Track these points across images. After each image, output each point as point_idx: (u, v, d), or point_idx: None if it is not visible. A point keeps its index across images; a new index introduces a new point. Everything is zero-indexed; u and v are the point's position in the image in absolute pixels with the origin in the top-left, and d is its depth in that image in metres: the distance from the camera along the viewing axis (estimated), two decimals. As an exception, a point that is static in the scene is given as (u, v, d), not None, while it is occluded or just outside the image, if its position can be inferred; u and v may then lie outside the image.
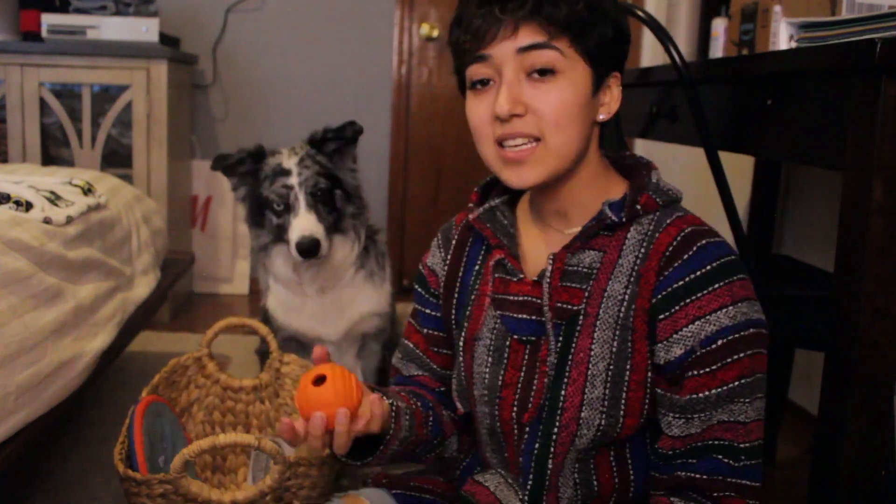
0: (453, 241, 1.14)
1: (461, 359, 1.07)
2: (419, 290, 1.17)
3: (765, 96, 1.36)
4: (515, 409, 1.01)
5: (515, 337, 1.02)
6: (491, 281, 1.05)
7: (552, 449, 0.98)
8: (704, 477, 0.93)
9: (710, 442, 0.93)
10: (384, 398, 1.03)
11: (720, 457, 0.93)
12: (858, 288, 1.07)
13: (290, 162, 1.83)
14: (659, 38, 1.45)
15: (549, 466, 0.99)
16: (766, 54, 1.58)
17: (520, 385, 1.01)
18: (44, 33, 2.98)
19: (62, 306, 1.54)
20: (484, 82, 0.95)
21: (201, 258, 3.49)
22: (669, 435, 0.96)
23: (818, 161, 1.25)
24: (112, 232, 2.01)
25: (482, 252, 1.10)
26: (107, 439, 2.01)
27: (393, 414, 1.03)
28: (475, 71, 0.95)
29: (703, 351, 0.92)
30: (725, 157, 1.46)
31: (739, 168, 2.34)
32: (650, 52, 3.35)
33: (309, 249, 1.77)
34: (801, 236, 2.38)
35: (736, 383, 0.92)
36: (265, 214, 1.87)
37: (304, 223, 1.78)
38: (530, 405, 0.99)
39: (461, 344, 1.07)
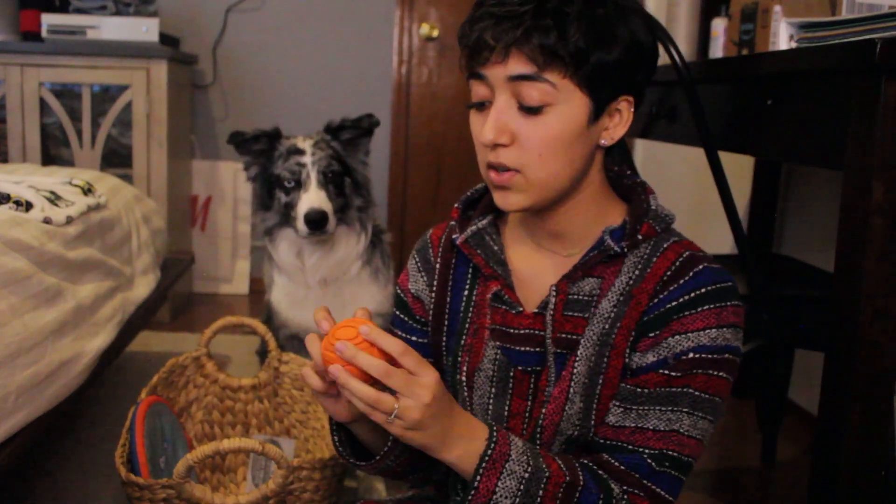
0: (436, 265, 1.08)
1: (465, 393, 1.03)
2: (402, 316, 1.11)
3: (765, 96, 1.36)
4: (525, 437, 1.00)
5: (520, 368, 1.00)
6: (489, 314, 1.01)
7: None
8: (622, 468, 0.93)
9: (640, 449, 0.92)
10: None
11: (645, 456, 0.92)
12: (858, 288, 1.07)
13: (304, 143, 1.87)
14: (659, 37, 1.45)
15: None
16: (766, 54, 1.59)
17: (527, 414, 1.00)
18: (44, 33, 2.98)
19: (62, 306, 1.54)
20: (480, 105, 0.93)
21: (201, 258, 3.48)
22: (605, 421, 0.95)
23: (818, 161, 1.25)
24: (112, 232, 2.01)
25: (469, 274, 1.05)
26: (107, 439, 2.01)
27: None
28: (474, 88, 0.93)
29: (674, 361, 0.92)
30: (725, 157, 1.46)
31: (739, 168, 2.34)
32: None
33: (317, 221, 1.79)
34: (801, 236, 2.38)
35: (683, 389, 0.92)
36: (274, 195, 1.89)
37: (313, 197, 1.82)
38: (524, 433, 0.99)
39: (462, 378, 1.03)
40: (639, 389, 0.93)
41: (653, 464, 0.92)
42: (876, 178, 1.05)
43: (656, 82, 1.76)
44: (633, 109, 0.95)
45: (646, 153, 3.27)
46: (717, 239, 2.59)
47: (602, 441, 0.95)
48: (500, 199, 0.95)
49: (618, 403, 0.94)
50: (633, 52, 0.91)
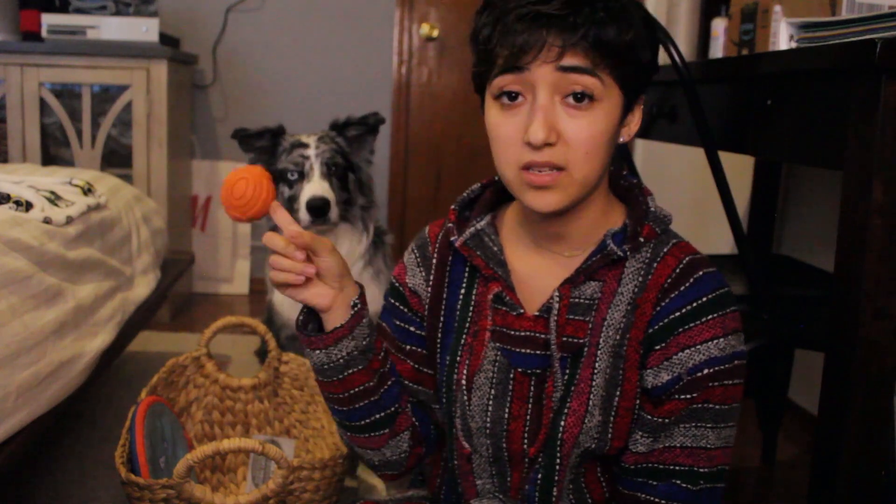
0: (433, 261, 1.07)
1: (464, 396, 1.01)
2: (398, 305, 1.11)
3: (765, 96, 1.36)
4: (526, 441, 1.00)
5: (519, 370, 1.00)
6: (490, 315, 1.01)
7: (556, 478, 0.99)
8: (662, 502, 0.95)
9: (671, 466, 0.94)
10: (363, 307, 1.02)
11: (679, 482, 0.94)
12: (858, 288, 1.07)
13: (309, 139, 1.88)
14: (659, 38, 1.44)
15: (554, 493, 1.00)
16: (766, 54, 1.58)
17: (528, 417, 0.99)
18: (44, 33, 2.98)
19: (62, 306, 1.54)
20: (512, 96, 0.89)
21: (201, 258, 3.49)
22: (633, 451, 0.97)
23: (818, 161, 1.25)
24: (112, 232, 2.01)
25: (466, 273, 1.05)
26: (107, 439, 2.01)
27: (353, 310, 1.00)
28: (506, 81, 0.89)
29: (689, 378, 0.93)
30: (725, 157, 1.46)
31: (739, 168, 2.34)
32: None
33: (319, 208, 1.79)
34: (801, 236, 2.38)
35: (703, 405, 0.93)
36: (278, 190, 1.89)
37: (316, 186, 1.81)
38: (537, 439, 0.98)
39: (462, 380, 1.01)
40: (666, 421, 0.94)
41: (688, 486, 0.94)
42: (876, 178, 1.05)
43: (656, 82, 1.76)
44: (642, 107, 0.97)
45: (646, 153, 3.27)
46: (717, 239, 2.59)
47: (632, 467, 0.97)
48: (536, 198, 0.91)
49: (645, 434, 0.96)
50: (656, 51, 0.94)
